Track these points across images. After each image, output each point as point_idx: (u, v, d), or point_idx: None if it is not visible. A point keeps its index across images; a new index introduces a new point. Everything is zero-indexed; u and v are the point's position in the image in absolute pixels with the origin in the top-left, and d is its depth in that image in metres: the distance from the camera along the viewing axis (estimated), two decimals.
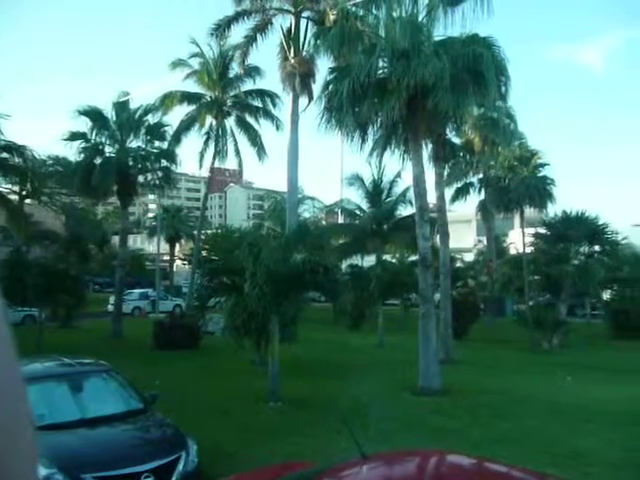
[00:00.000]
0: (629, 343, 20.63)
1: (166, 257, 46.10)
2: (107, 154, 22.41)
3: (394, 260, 26.80)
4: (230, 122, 26.69)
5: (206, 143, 26.22)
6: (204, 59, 25.37)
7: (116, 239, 28.35)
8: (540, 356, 18.01)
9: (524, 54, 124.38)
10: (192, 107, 25.90)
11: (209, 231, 27.55)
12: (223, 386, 11.95)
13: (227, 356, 15.13)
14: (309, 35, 20.04)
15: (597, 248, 22.48)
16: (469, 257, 35.08)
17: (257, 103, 25.80)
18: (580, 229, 21.62)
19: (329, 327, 23.50)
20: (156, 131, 23.10)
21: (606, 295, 24.51)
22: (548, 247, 22.83)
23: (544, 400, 10.99)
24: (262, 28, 20.75)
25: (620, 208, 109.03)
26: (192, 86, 25.82)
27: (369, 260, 27.37)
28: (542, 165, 24.32)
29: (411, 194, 20.00)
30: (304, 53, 19.90)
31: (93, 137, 22.15)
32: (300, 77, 19.19)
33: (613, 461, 7.18)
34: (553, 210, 23.69)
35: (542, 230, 23.26)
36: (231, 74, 25.49)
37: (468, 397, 11.31)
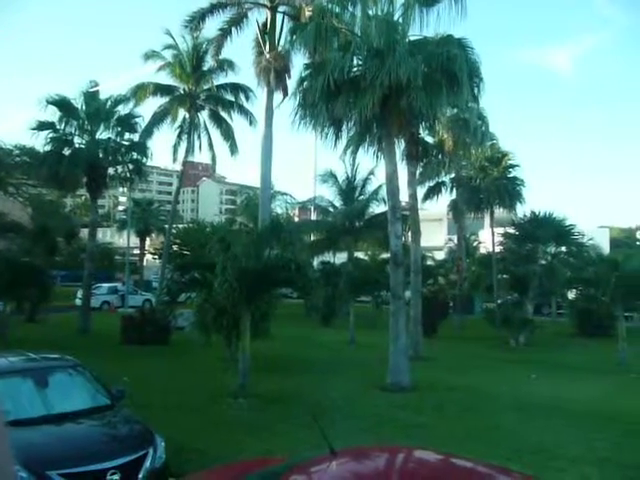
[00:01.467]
0: (592, 341, 21.22)
1: (136, 251, 45.45)
2: (76, 145, 21.96)
3: (366, 257, 27.00)
4: (203, 116, 26.46)
5: (179, 136, 25.92)
6: (178, 51, 25.05)
7: (85, 232, 27.80)
8: (507, 353, 18.37)
9: (494, 56, 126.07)
10: (165, 99, 25.56)
11: (180, 225, 27.30)
12: (192, 382, 11.85)
13: (197, 352, 15.02)
14: (285, 30, 19.96)
15: (563, 249, 23.02)
16: (440, 255, 35.56)
17: (231, 97, 25.60)
18: (547, 230, 22.08)
19: (301, 323, 23.55)
20: (127, 123, 22.72)
21: (571, 294, 25.11)
22: (517, 247, 23.27)
23: (510, 397, 11.22)
24: (237, 21, 20.54)
25: (586, 210, 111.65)
26: (165, 78, 25.50)
27: (341, 257, 27.51)
28: (512, 166, 24.80)
29: (384, 192, 20.12)
30: (279, 48, 19.79)
31: (62, 127, 21.67)
32: (275, 72, 19.07)
33: (574, 456, 7.38)
34: (522, 211, 24.19)
35: (511, 230, 23.68)
36: (205, 67, 25.24)
37: (436, 393, 11.46)
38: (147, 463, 5.36)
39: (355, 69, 12.75)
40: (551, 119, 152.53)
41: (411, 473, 3.15)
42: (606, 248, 29.70)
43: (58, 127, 21.57)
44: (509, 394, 11.52)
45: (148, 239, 46.63)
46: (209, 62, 24.40)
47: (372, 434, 7.85)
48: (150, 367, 13.62)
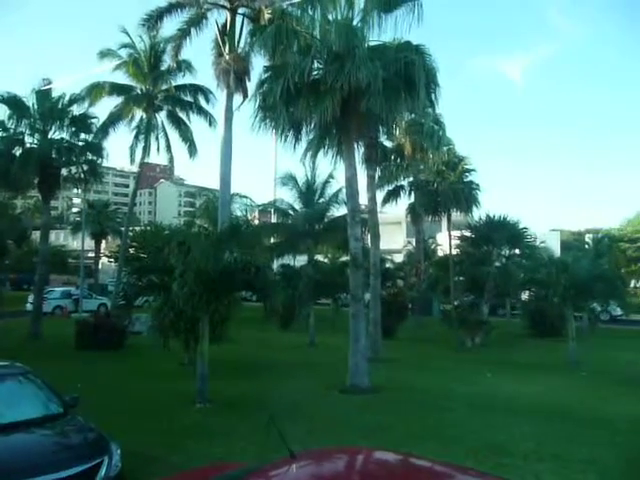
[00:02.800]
0: (544, 341, 21.89)
1: (91, 254, 44.26)
2: (28, 145, 21.22)
3: (326, 260, 27.09)
4: (161, 116, 26.05)
5: (136, 137, 25.43)
6: (135, 50, 24.58)
7: (37, 235, 26.89)
8: (464, 354, 18.75)
9: (450, 63, 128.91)
10: (122, 99, 25.04)
11: (138, 228, 26.77)
12: (149, 388, 11.63)
13: (154, 357, 14.74)
14: (244, 32, 19.87)
15: (517, 251, 23.68)
16: (399, 258, 36.00)
17: (190, 98, 25.30)
18: (502, 233, 22.66)
19: (260, 327, 23.36)
20: (82, 122, 22.10)
21: (524, 296, 25.84)
22: (473, 249, 23.78)
23: (466, 396, 11.46)
24: (196, 22, 20.32)
25: (539, 214, 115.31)
26: (122, 78, 24.97)
27: (301, 260, 27.49)
28: (468, 171, 25.34)
29: (343, 195, 20.25)
30: (239, 50, 19.68)
31: (12, 126, 20.91)
32: (235, 74, 18.96)
33: (526, 452, 7.60)
34: (478, 214, 24.75)
35: (467, 233, 24.19)
36: (163, 67, 24.86)
37: (395, 394, 11.60)
38: (102, 472, 5.21)
39: (315, 73, 12.80)
40: (505, 126, 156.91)
41: (371, 474, 3.17)
42: (557, 250, 30.67)
43: (8, 126, 20.81)
44: (466, 393, 11.76)
45: (104, 242, 45.48)
46: (167, 62, 24.06)
47: (331, 436, 7.87)
48: (105, 373, 13.29)
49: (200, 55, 22.59)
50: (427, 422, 9.32)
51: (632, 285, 40.77)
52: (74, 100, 22.12)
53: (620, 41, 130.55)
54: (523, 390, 12.30)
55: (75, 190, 33.93)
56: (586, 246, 37.22)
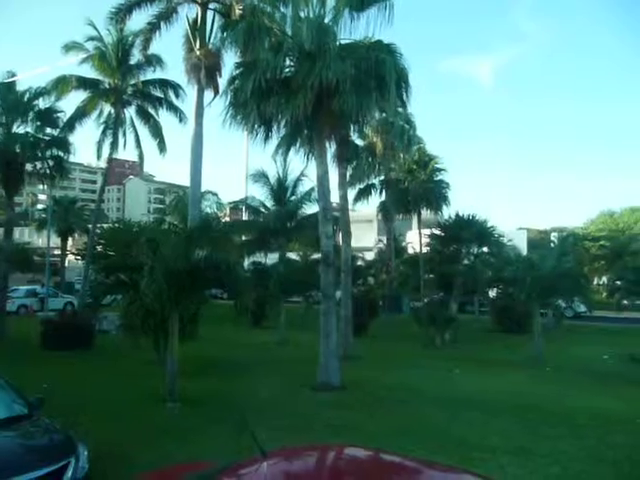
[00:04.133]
0: (511, 337, 22.33)
1: (57, 252, 43.25)
2: None
3: (297, 258, 27.09)
4: (130, 112, 25.60)
5: (104, 132, 24.95)
6: (102, 44, 24.08)
7: (0, 231, 26.15)
8: (433, 351, 19.00)
9: (421, 63, 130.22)
10: (89, 93, 24.51)
11: (106, 225, 26.29)
12: (118, 387, 11.45)
13: (123, 356, 14.53)
14: (215, 27, 19.66)
15: (485, 249, 24.06)
16: (370, 256, 36.22)
17: (159, 94, 24.91)
18: (471, 231, 22.99)
19: (231, 324, 23.25)
20: (47, 116, 21.55)
21: (492, 293, 26.31)
22: (442, 247, 24.07)
23: (435, 392, 11.63)
24: (166, 16, 20.03)
25: (506, 212, 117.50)
26: (89, 72, 24.43)
27: (273, 257, 27.43)
28: (439, 170, 25.69)
29: (315, 193, 20.27)
30: (210, 46, 19.48)
31: None
32: (206, 70, 18.75)
33: (493, 446, 7.77)
34: (448, 213, 25.09)
35: (437, 231, 24.47)
36: (132, 62, 24.41)
37: (366, 392, 11.68)
38: (69, 473, 5.12)
39: (287, 70, 12.78)
40: (475, 126, 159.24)
41: (342, 470, 3.20)
42: (524, 249, 31.29)
43: None
44: (435, 389, 11.94)
45: (70, 239, 44.49)
46: (136, 56, 23.65)
47: (302, 434, 7.89)
48: (73, 373, 13.03)
49: (171, 50, 22.28)
50: (397, 418, 9.43)
51: (595, 282, 41.96)
52: (39, 94, 21.54)
53: (584, 43, 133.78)
54: (490, 386, 12.55)
55: (40, 186, 33.11)
56: (551, 244, 38.12)
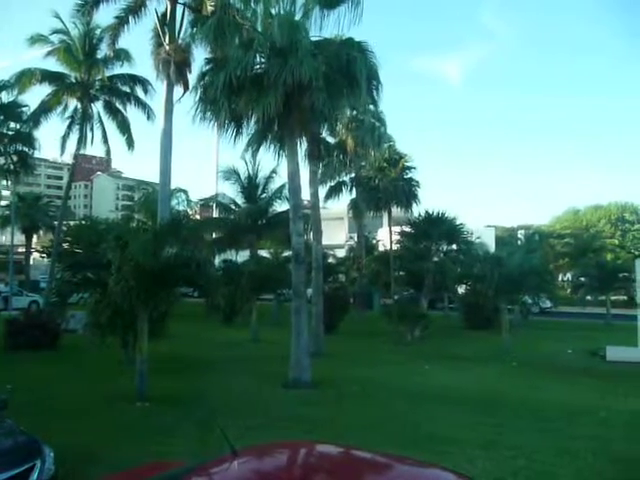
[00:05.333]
0: (479, 333, 22.73)
1: (21, 249, 42.17)
2: None
3: (268, 255, 27.00)
4: (97, 107, 25.12)
5: (69, 127, 24.41)
6: (69, 37, 23.54)
7: None
8: (403, 347, 19.19)
9: (390, 61, 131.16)
10: (54, 87, 23.94)
11: (72, 222, 25.75)
12: (86, 387, 11.23)
13: (91, 355, 14.25)
14: (185, 22, 19.42)
15: (454, 246, 24.41)
16: (341, 253, 36.36)
17: (127, 89, 24.51)
18: (440, 229, 23.31)
19: (202, 323, 23.06)
20: (11, 111, 21.05)
21: (461, 290, 26.71)
22: (412, 245, 24.32)
23: (405, 387, 11.77)
24: (135, 10, 19.70)
25: (474, 210, 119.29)
26: (55, 65, 23.87)
27: (244, 255, 27.29)
28: (409, 168, 25.86)
29: (286, 190, 20.24)
30: (180, 41, 19.23)
31: None
32: (175, 65, 18.51)
33: (461, 440, 7.90)
34: (417, 210, 25.33)
35: (407, 229, 24.71)
36: (99, 55, 23.94)
37: (337, 388, 11.74)
38: (34, 476, 5.01)
39: (257, 67, 12.71)
40: (444, 125, 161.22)
41: (314, 467, 3.21)
42: (492, 246, 31.85)
43: None
44: (405, 385, 12.08)
45: (35, 236, 43.43)
46: (104, 51, 23.19)
47: (274, 431, 7.88)
48: (38, 373, 12.72)
49: (140, 45, 21.91)
50: (368, 414, 9.50)
51: (560, 279, 42.98)
52: (2, 87, 21.03)
53: (550, 41, 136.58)
54: (459, 381, 12.75)
55: (4, 182, 32.22)
56: (518, 242, 38.92)
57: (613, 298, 29.96)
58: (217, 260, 26.24)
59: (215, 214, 31.41)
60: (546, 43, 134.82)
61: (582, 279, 32.75)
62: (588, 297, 32.15)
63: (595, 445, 7.81)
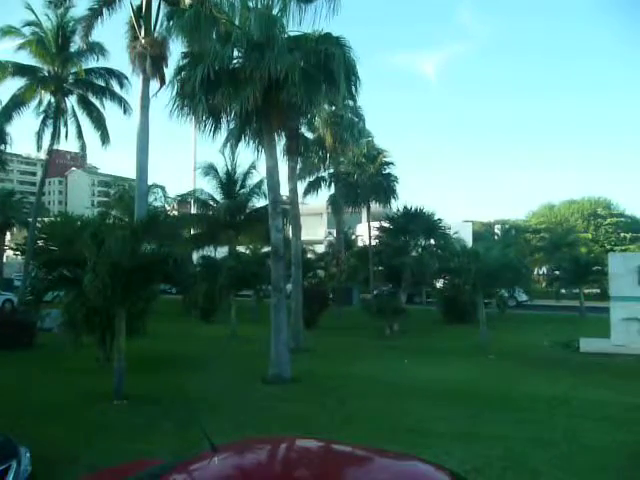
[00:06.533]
0: (457, 327, 22.99)
1: None
2: None
3: (247, 251, 26.92)
4: (72, 101, 24.67)
5: (43, 122, 23.94)
6: (41, 29, 23.07)
7: None
8: (383, 341, 19.31)
9: (368, 57, 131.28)
10: (27, 81, 23.44)
11: (47, 219, 25.28)
12: (63, 386, 11.07)
13: (67, 354, 14.05)
14: (161, 15, 19.17)
15: (432, 241, 24.62)
16: (320, 249, 36.42)
17: (102, 83, 24.12)
18: (418, 224, 23.46)
19: (181, 320, 22.91)
20: None
21: (439, 284, 26.98)
22: (391, 240, 24.45)
23: (385, 382, 11.85)
24: (109, 2, 19.39)
25: (452, 206, 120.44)
26: (28, 58, 23.37)
27: (223, 251, 27.17)
28: (387, 163, 26.06)
29: (265, 186, 20.18)
30: (156, 34, 18.99)
31: None
32: (151, 59, 18.29)
33: (440, 432, 8.01)
34: (396, 206, 25.49)
35: (386, 224, 24.84)
36: (73, 49, 23.51)
37: (317, 383, 11.78)
38: (9, 478, 4.93)
39: (235, 61, 12.62)
40: (422, 121, 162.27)
41: (294, 462, 3.22)
42: (469, 240, 32.22)
43: None
44: (384, 379, 12.16)
45: (8, 233, 42.53)
46: (77, 43, 22.79)
47: (254, 427, 7.89)
48: (13, 373, 12.51)
49: (115, 39, 21.59)
50: (348, 408, 9.56)
51: (535, 272, 43.69)
52: None
53: (525, 40, 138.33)
54: (437, 374, 12.89)
55: None
56: (495, 237, 39.43)
57: (587, 291, 30.57)
58: (195, 256, 26.08)
59: (193, 210, 31.20)
60: (520, 43, 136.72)
61: (557, 273, 33.32)
62: (563, 290, 32.73)
63: (569, 435, 7.99)
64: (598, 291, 30.09)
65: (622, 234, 60.42)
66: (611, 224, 62.48)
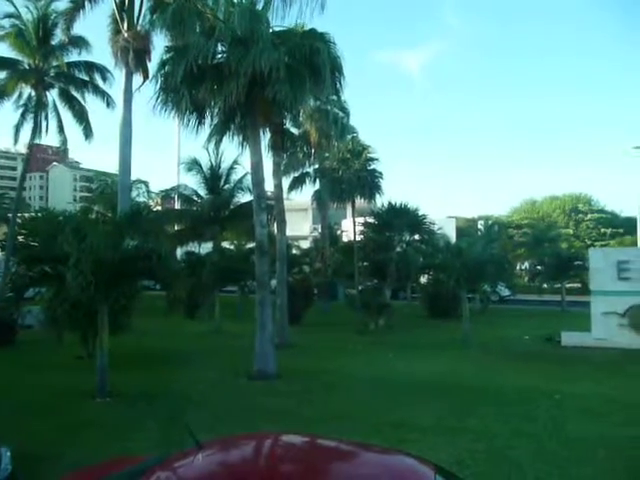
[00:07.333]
0: (441, 321, 23.15)
1: None
2: None
3: (232, 247, 26.83)
4: (53, 95, 24.28)
5: (23, 116, 23.53)
6: (21, 21, 22.65)
7: None
8: (368, 336, 19.38)
9: (349, 54, 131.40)
10: (7, 74, 23.02)
11: (27, 214, 24.89)
12: (44, 384, 10.95)
13: (49, 351, 13.91)
14: (145, 8, 18.93)
15: (417, 237, 24.73)
16: (305, 244, 36.41)
17: (84, 76, 23.75)
18: (403, 219, 23.53)
19: (164, 316, 22.67)
20: None
21: (423, 279, 27.12)
22: (375, 235, 24.51)
23: (369, 376, 11.91)
24: None
25: (436, 201, 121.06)
26: (7, 51, 22.93)
27: (207, 247, 27.02)
28: (372, 159, 26.10)
29: (249, 181, 20.08)
30: (139, 28, 18.76)
31: None
32: (134, 53, 18.07)
33: (424, 426, 8.07)
34: (381, 201, 25.55)
35: (370, 220, 24.90)
36: (55, 42, 23.11)
37: (302, 378, 11.78)
38: None
39: (219, 56, 12.53)
40: (407, 117, 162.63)
41: (279, 458, 3.23)
42: (453, 236, 32.41)
43: None
44: (369, 374, 12.22)
45: None
46: (59, 36, 22.42)
47: (240, 423, 7.87)
48: None
49: (98, 32, 21.29)
50: (333, 403, 9.59)
51: (518, 267, 44.13)
52: None
53: (508, 39, 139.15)
54: (422, 368, 12.98)
55: None
56: (478, 232, 39.72)
57: (568, 286, 30.94)
58: (179, 252, 25.90)
59: (177, 205, 30.95)
60: (502, 43, 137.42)
61: (539, 268, 33.70)
62: (545, 285, 33.12)
63: (550, 427, 8.11)
64: (579, 286, 30.44)
65: (602, 229, 61.39)
66: (592, 220, 63.44)
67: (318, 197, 29.08)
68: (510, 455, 6.93)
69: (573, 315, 22.99)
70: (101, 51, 22.05)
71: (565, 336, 16.84)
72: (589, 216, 64.06)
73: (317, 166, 27.55)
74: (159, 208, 32.16)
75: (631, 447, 7.18)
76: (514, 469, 6.49)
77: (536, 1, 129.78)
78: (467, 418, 8.61)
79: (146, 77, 18.29)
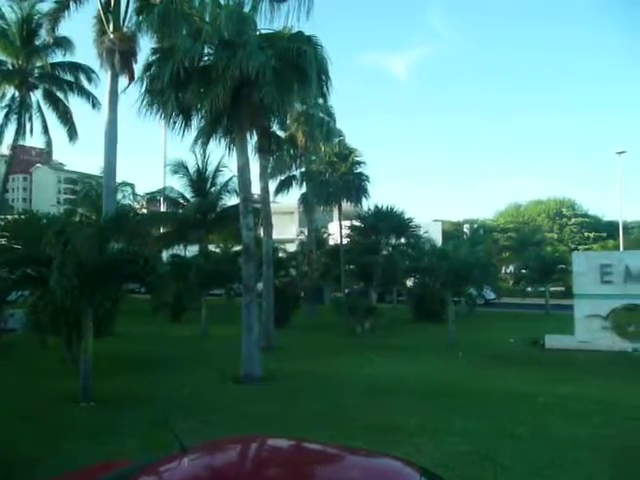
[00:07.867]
0: (427, 325, 23.26)
1: None
2: None
3: (218, 250, 26.74)
4: (37, 95, 24.08)
5: (7, 117, 23.32)
6: (4, 21, 22.45)
7: None
8: (354, 339, 19.43)
9: (336, 56, 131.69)
10: None
11: (10, 216, 24.58)
12: (27, 388, 10.80)
13: (32, 355, 13.75)
14: (131, 9, 18.84)
15: (403, 240, 24.86)
16: (291, 247, 36.34)
17: (69, 77, 23.59)
18: (389, 223, 23.67)
19: (150, 320, 22.57)
20: None
21: (409, 282, 27.25)
22: (362, 239, 24.60)
23: (355, 380, 11.93)
24: None
25: (422, 205, 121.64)
26: None
27: (193, 250, 26.91)
28: (358, 163, 26.17)
29: (235, 184, 20.05)
30: (125, 29, 18.66)
31: None
32: (120, 54, 17.97)
33: (410, 429, 8.09)
34: (367, 205, 25.63)
35: (357, 223, 24.96)
36: (39, 42, 22.94)
37: (288, 382, 11.76)
38: None
39: (206, 58, 12.50)
40: (393, 121, 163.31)
41: (265, 461, 3.22)
42: (439, 240, 32.62)
43: None
44: (355, 377, 12.24)
45: None
46: (44, 37, 22.25)
47: (226, 426, 7.83)
48: None
49: (83, 33, 21.13)
50: (319, 406, 9.58)
51: (503, 271, 44.53)
52: None
53: (495, 43, 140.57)
54: (408, 371, 13.04)
55: None
56: (464, 236, 40.04)
57: (552, 289, 31.29)
58: (165, 255, 25.76)
59: (163, 208, 30.81)
60: (488, 47, 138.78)
61: (523, 271, 34.04)
62: (529, 288, 33.45)
63: (535, 428, 8.19)
64: (563, 289, 30.82)
65: (586, 234, 62.11)
66: (575, 224, 64.15)
67: (305, 200, 29.09)
68: (495, 456, 6.98)
69: (557, 318, 23.23)
70: (86, 52, 21.93)
71: (549, 339, 17.02)
72: (573, 220, 64.79)
73: (304, 169, 27.57)
74: (145, 211, 31.99)
75: (609, 446, 7.29)
76: (499, 471, 6.53)
77: (523, 5, 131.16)
78: (452, 420, 8.64)
79: (132, 79, 18.18)
